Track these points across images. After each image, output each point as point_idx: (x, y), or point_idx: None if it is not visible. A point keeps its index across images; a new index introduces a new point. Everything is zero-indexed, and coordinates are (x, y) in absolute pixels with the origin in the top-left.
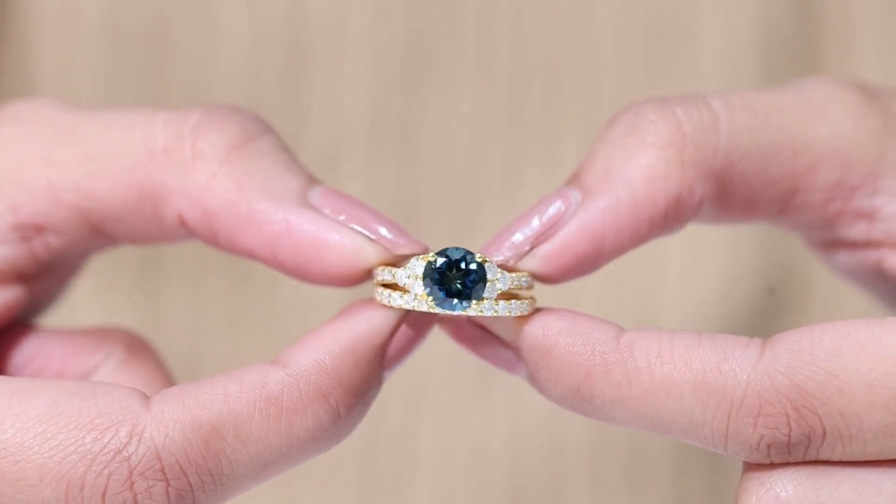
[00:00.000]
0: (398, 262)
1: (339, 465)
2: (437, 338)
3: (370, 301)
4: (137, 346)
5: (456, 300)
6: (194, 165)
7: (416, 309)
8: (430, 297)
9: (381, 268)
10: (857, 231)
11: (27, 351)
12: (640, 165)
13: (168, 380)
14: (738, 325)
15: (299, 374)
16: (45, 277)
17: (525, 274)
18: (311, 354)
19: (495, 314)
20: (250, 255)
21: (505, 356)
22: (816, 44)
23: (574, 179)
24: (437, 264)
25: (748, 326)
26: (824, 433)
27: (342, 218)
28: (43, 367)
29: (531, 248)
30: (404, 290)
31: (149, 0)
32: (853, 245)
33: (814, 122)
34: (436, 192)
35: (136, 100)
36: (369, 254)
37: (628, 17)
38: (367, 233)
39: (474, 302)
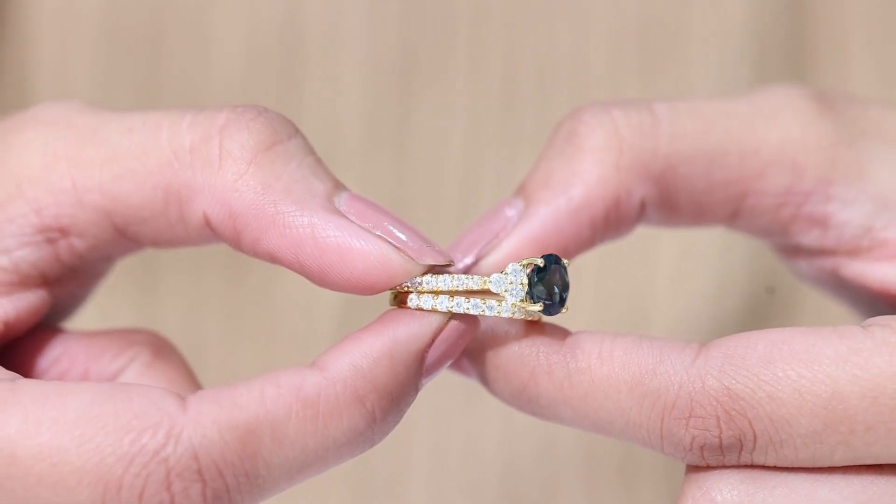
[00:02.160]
0: (430, 272)
1: (331, 474)
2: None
3: (406, 310)
4: (162, 349)
5: (554, 305)
6: (221, 165)
7: (517, 316)
8: (538, 305)
9: (414, 295)
10: (811, 238)
11: (51, 354)
12: (577, 171)
13: (194, 382)
14: (729, 325)
15: (336, 378)
16: (69, 281)
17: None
18: (348, 358)
19: (512, 315)
20: (274, 258)
21: (461, 362)
22: (808, 47)
23: (519, 188)
24: (541, 270)
25: (740, 327)
26: (755, 437)
27: (368, 225)
28: (68, 370)
29: (476, 261)
30: (452, 294)
31: (145, 2)
32: (809, 252)
33: (762, 128)
34: (429, 194)
35: (133, 101)
36: (394, 262)
37: (620, 20)
38: (392, 241)
39: (564, 308)
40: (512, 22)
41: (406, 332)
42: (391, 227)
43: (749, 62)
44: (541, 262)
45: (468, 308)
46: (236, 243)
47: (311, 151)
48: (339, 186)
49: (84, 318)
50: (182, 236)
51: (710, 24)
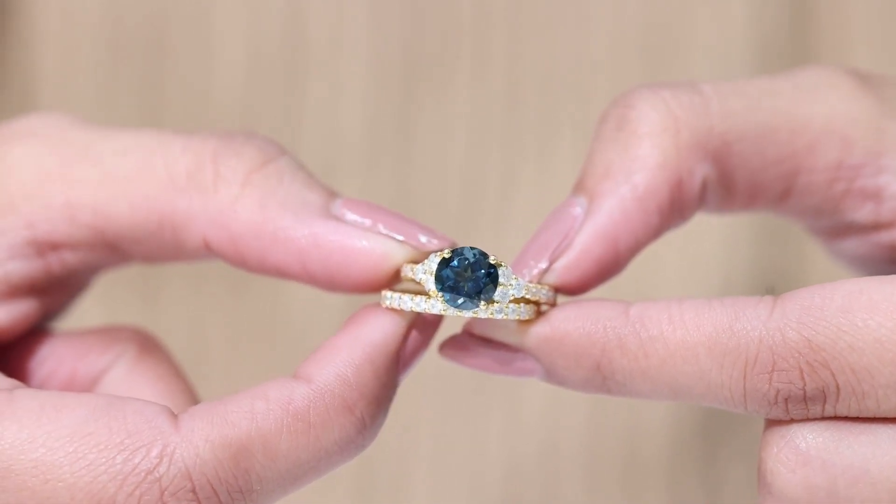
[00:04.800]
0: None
1: (334, 480)
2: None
3: (376, 307)
4: (149, 345)
5: (465, 299)
6: (217, 190)
7: (427, 311)
8: (441, 295)
9: (408, 265)
10: (864, 213)
11: (38, 355)
12: (637, 158)
13: (180, 377)
14: None
15: (324, 389)
16: (59, 290)
17: (545, 287)
18: (332, 368)
19: (506, 317)
20: (281, 273)
21: (520, 360)
22: (810, 48)
23: (578, 186)
24: (452, 262)
25: None
26: (838, 388)
27: (367, 222)
28: (55, 370)
29: (549, 266)
30: (416, 293)
31: (147, 8)
32: (862, 229)
33: (807, 104)
34: (432, 198)
35: (136, 107)
36: (398, 255)
37: (622, 26)
38: (394, 235)
39: (483, 304)
40: (515, 28)
41: (381, 334)
42: (392, 222)
43: (751, 67)
44: (447, 254)
45: (443, 309)
46: (241, 264)
47: (301, 167)
48: (332, 195)
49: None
50: (176, 256)
51: (713, 29)
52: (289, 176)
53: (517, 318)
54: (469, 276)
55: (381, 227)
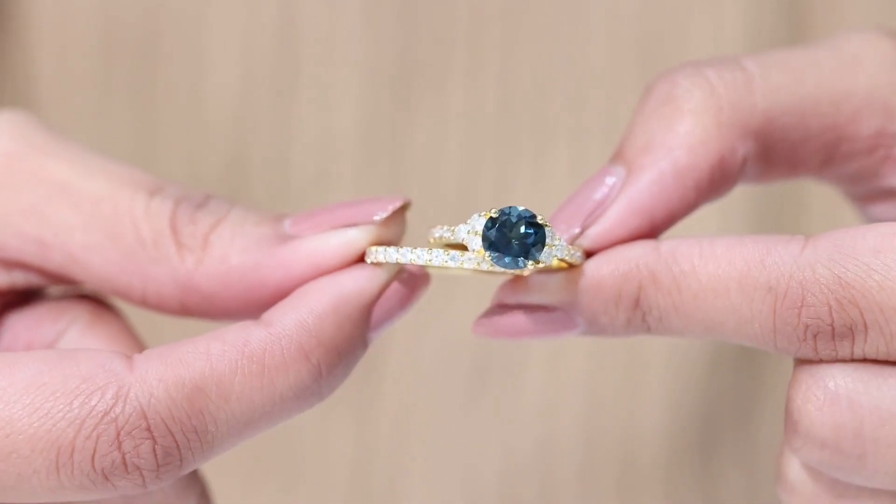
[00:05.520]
0: (390, 240)
1: (331, 472)
2: (429, 351)
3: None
4: (101, 310)
5: (511, 259)
6: (182, 258)
7: (414, 262)
8: (488, 254)
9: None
10: None
11: None
12: (679, 134)
13: (135, 339)
14: None
15: (281, 333)
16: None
17: (580, 249)
18: (294, 313)
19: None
20: (268, 307)
21: (559, 318)
22: None
23: (617, 155)
24: (498, 222)
25: None
26: (866, 326)
27: (322, 224)
28: (10, 345)
29: (581, 231)
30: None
31: (143, 10)
32: None
33: (850, 74)
34: (426, 203)
35: (130, 110)
36: (361, 239)
37: (618, 28)
38: (346, 223)
39: (531, 262)
40: (509, 32)
41: (353, 286)
42: (339, 215)
43: None
44: (494, 214)
45: (430, 259)
46: (225, 317)
47: (249, 211)
48: (280, 219)
49: None
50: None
51: (709, 32)
52: (239, 225)
53: (569, 256)
54: (516, 234)
55: (334, 217)
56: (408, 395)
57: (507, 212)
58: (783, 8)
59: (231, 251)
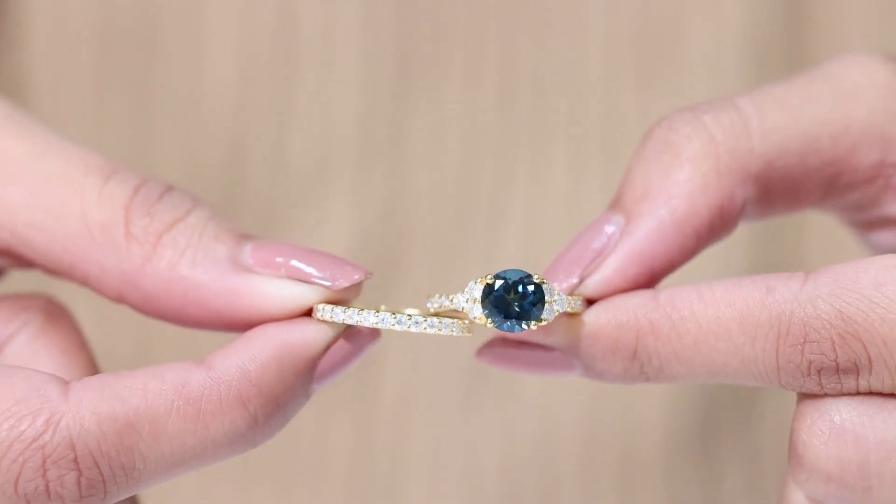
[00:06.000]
0: (341, 299)
1: (330, 469)
2: (428, 349)
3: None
4: (56, 315)
5: (513, 321)
6: (129, 249)
7: (360, 324)
8: (490, 321)
9: (321, 305)
10: None
11: None
12: (678, 182)
13: (85, 350)
14: None
15: (221, 378)
16: None
17: (579, 298)
18: (237, 359)
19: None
20: (201, 326)
21: (557, 359)
22: (806, 49)
23: (616, 203)
24: (496, 288)
25: None
26: (870, 360)
27: (279, 270)
28: None
29: (580, 281)
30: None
31: (140, 6)
32: None
33: (847, 106)
34: (425, 200)
35: (127, 105)
36: (309, 297)
37: (616, 27)
38: (302, 278)
39: (533, 323)
40: (508, 29)
41: (300, 339)
42: (299, 265)
43: (747, 67)
44: (490, 280)
45: (376, 322)
46: (159, 317)
47: (212, 216)
48: (241, 241)
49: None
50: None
51: (707, 30)
52: (198, 232)
53: (567, 308)
54: (516, 298)
55: (293, 265)
56: (407, 391)
57: (502, 275)
58: (781, 6)
59: (181, 262)
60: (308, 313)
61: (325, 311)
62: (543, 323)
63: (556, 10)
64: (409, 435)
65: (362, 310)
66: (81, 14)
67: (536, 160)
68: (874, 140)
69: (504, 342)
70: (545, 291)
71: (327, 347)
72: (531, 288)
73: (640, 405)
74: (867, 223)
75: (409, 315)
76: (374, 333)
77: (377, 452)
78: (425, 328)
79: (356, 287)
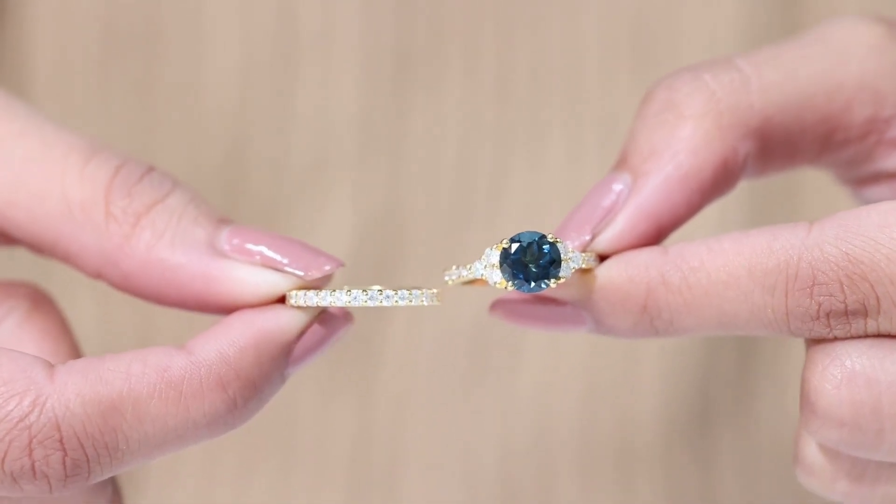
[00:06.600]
0: (315, 285)
1: (330, 455)
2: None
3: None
4: (41, 302)
5: (533, 283)
6: (108, 228)
7: (333, 304)
8: (511, 284)
9: (294, 292)
10: (895, 161)
11: None
12: (681, 139)
13: (69, 336)
14: None
15: (201, 362)
16: None
17: (591, 254)
18: (216, 344)
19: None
20: (180, 307)
21: (569, 313)
22: None
23: (621, 163)
24: (512, 251)
25: None
26: (878, 301)
27: (255, 257)
28: None
29: (592, 238)
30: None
31: (141, 5)
32: (893, 176)
33: (840, 65)
34: (424, 194)
35: (129, 104)
36: (281, 285)
37: (613, 23)
38: (275, 266)
39: (553, 281)
40: (505, 24)
41: (275, 324)
42: (272, 254)
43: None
44: (506, 244)
45: (349, 301)
46: (138, 296)
47: (191, 199)
48: (219, 225)
49: (81, 324)
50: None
51: (704, 25)
52: (177, 214)
53: (583, 264)
54: (532, 259)
55: (266, 254)
56: (407, 379)
57: (517, 238)
58: (778, 3)
59: (159, 243)
60: (283, 300)
61: (299, 297)
62: (562, 280)
63: (553, 4)
64: (409, 420)
65: (334, 291)
66: (83, 13)
67: (534, 154)
68: (866, 97)
69: (518, 296)
70: (560, 250)
71: (301, 333)
72: (546, 248)
73: (636, 396)
74: (861, 179)
75: (381, 290)
76: (348, 318)
77: (377, 437)
78: (396, 301)
79: (328, 277)
